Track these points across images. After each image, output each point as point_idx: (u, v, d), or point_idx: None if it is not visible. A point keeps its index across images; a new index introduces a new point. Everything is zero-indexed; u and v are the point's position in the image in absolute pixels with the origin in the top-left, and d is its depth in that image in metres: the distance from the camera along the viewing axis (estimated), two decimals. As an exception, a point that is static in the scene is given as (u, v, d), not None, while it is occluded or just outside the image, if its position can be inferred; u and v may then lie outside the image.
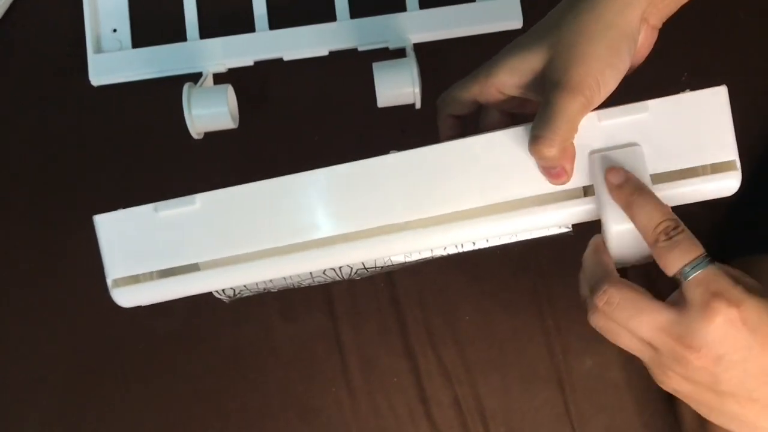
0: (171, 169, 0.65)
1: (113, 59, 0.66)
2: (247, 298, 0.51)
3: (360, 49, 0.65)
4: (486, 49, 0.65)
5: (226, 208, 0.43)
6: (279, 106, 0.66)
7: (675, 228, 0.37)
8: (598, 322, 0.39)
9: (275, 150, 0.65)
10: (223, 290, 0.47)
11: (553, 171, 0.40)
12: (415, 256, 0.47)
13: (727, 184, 0.40)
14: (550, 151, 0.39)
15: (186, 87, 0.59)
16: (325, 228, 0.42)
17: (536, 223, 0.42)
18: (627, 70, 0.40)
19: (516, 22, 0.64)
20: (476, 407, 0.62)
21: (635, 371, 0.61)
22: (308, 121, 0.66)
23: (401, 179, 0.42)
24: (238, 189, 0.43)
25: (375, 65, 0.58)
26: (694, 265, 0.36)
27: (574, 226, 0.45)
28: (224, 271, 0.43)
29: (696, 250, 0.37)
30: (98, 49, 0.67)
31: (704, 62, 0.65)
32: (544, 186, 0.42)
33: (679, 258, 0.37)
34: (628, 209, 0.39)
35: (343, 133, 0.65)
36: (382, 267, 0.48)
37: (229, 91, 0.60)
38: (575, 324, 0.61)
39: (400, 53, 0.64)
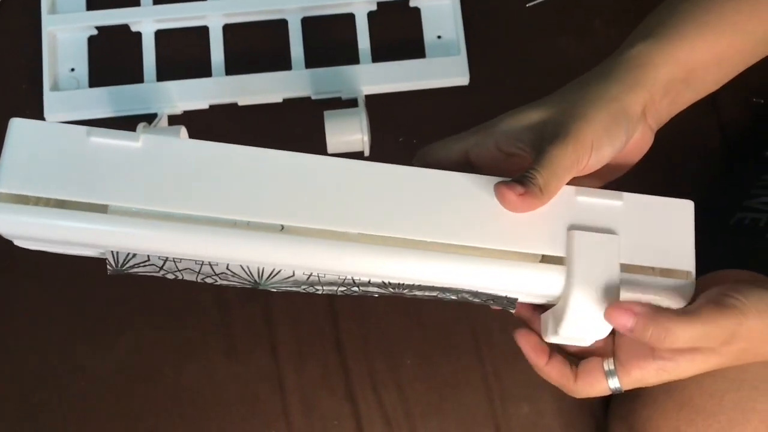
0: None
1: (69, 97, 0.67)
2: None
3: (314, 97, 0.68)
4: (434, 102, 0.68)
5: (171, 159, 0.38)
6: (232, 149, 0.68)
7: None
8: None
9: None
10: (117, 252, 0.39)
11: (518, 211, 0.38)
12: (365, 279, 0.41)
13: (679, 293, 0.40)
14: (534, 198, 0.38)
15: (139, 127, 0.59)
16: (267, 213, 0.39)
17: (494, 275, 0.40)
18: (621, 147, 0.40)
19: (463, 79, 0.67)
20: (415, 452, 0.62)
21: (571, 417, 0.62)
22: (260, 164, 0.67)
23: (379, 190, 0.39)
24: (196, 144, 0.39)
25: (326, 113, 0.60)
26: None
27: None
28: (133, 224, 0.37)
29: None
30: (55, 87, 0.68)
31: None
32: (512, 243, 0.39)
33: None
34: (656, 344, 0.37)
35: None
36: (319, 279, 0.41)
37: (182, 132, 0.61)
38: (513, 370, 0.62)
39: (352, 103, 0.66)
